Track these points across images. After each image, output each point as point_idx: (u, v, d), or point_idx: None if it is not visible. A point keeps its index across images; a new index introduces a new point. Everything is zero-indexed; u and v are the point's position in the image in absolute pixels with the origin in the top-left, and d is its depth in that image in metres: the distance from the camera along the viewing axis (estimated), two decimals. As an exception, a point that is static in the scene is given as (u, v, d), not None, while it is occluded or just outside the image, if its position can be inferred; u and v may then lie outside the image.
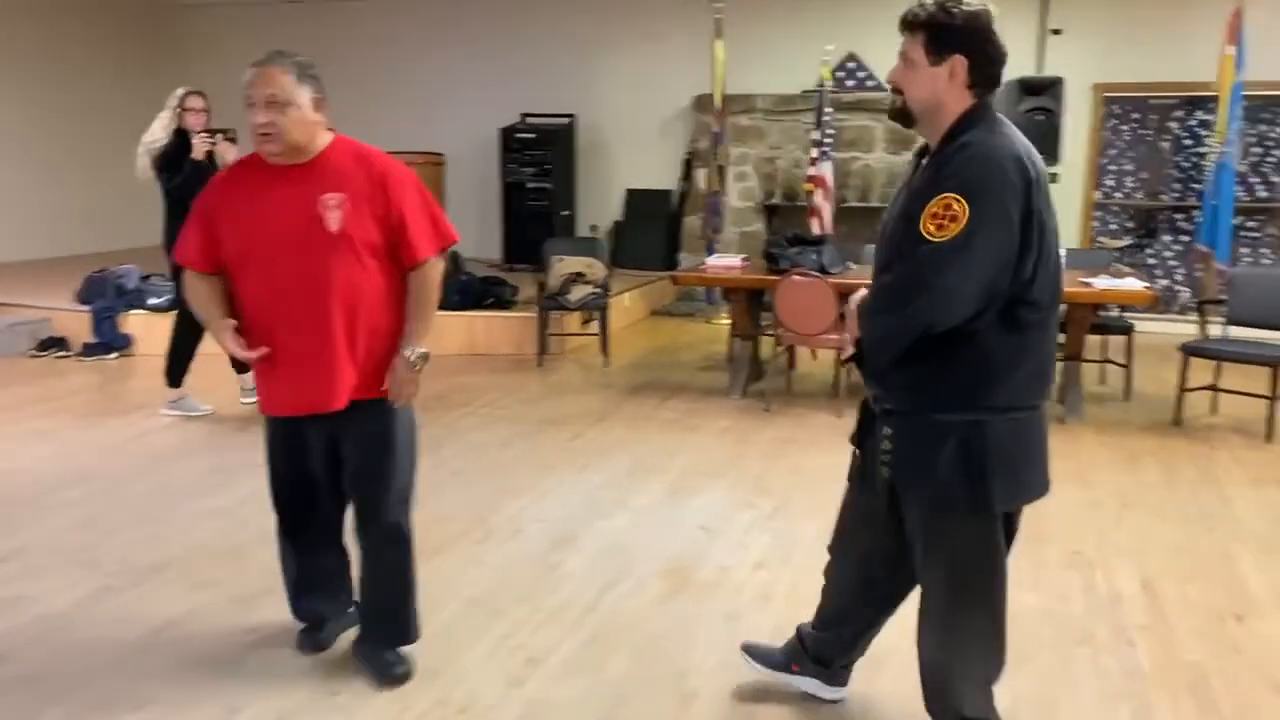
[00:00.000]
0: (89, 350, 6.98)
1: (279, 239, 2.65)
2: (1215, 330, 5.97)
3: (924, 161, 2.31)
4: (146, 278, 7.36)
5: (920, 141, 2.40)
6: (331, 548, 3.04)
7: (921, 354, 2.23)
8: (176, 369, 5.61)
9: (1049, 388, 2.35)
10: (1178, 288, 8.43)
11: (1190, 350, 5.63)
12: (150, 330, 7.13)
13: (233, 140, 5.59)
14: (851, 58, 9.22)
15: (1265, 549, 3.91)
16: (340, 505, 2.97)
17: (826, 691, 2.81)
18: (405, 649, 2.93)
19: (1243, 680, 2.95)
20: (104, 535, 3.92)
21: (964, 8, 2.20)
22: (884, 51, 9.03)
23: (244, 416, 5.51)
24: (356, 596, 3.01)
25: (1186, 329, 7.70)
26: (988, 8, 2.23)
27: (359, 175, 2.70)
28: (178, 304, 5.57)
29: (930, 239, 2.11)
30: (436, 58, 10.41)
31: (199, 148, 5.36)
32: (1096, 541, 3.94)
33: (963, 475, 2.25)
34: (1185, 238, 8.34)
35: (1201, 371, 5.73)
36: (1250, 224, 8.15)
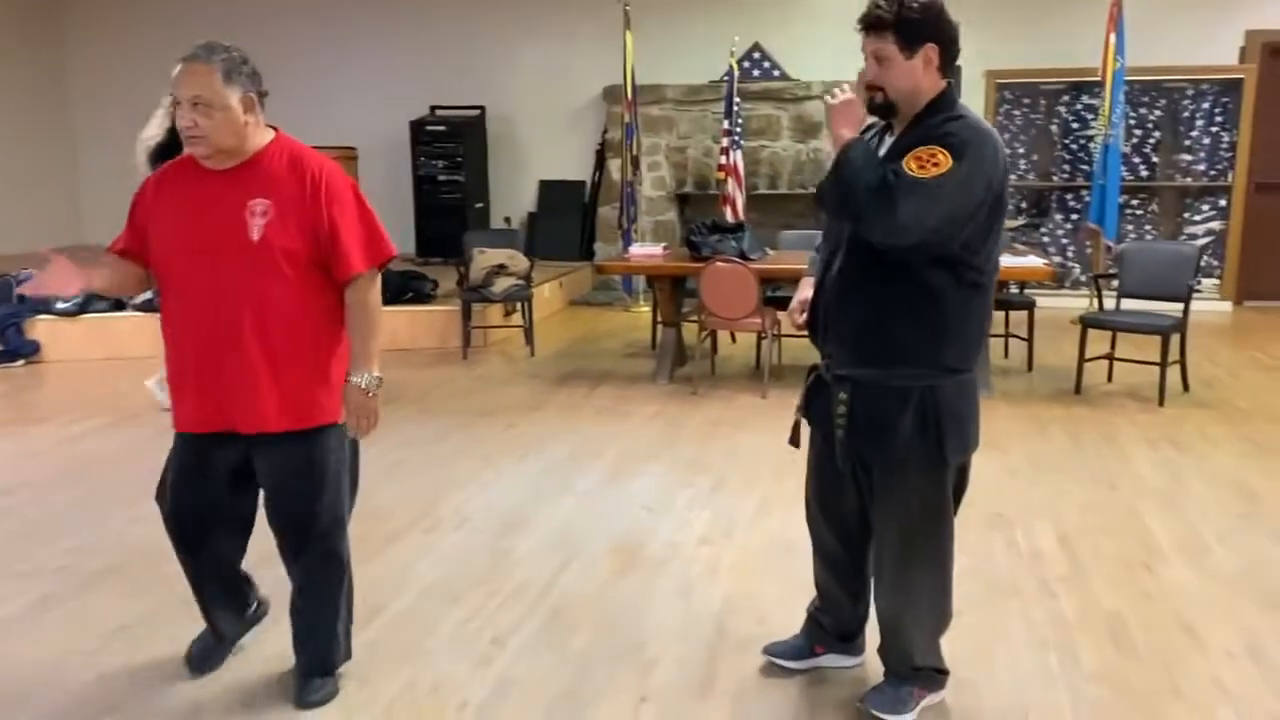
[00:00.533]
0: (-7, 358, 6.75)
1: (200, 245, 2.52)
2: (1109, 303, 6.33)
3: (887, 137, 2.49)
4: (51, 282, 7.13)
5: (871, 123, 2.55)
6: (232, 571, 2.87)
7: (880, 317, 2.40)
8: None
9: (980, 353, 2.56)
10: (1069, 264, 8.86)
11: (1089, 322, 5.97)
12: (58, 336, 6.94)
13: None
14: (756, 48, 9.42)
15: (1166, 504, 4.21)
16: (244, 531, 2.80)
17: (849, 660, 2.93)
18: (334, 671, 2.82)
19: (1156, 623, 3.21)
20: (39, 544, 3.85)
21: (915, 1, 2.35)
22: (785, 42, 9.35)
23: (167, 422, 5.41)
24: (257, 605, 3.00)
25: (1078, 303, 8.14)
26: None
27: (291, 181, 2.56)
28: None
29: (909, 172, 2.28)
30: (341, 49, 10.27)
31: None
32: (1014, 503, 4.19)
33: (919, 434, 2.43)
34: (1075, 216, 8.78)
35: (1098, 342, 6.08)
36: (1134, 202, 8.62)
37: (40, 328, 6.94)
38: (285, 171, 2.57)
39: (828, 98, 2.49)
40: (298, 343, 2.58)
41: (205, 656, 2.93)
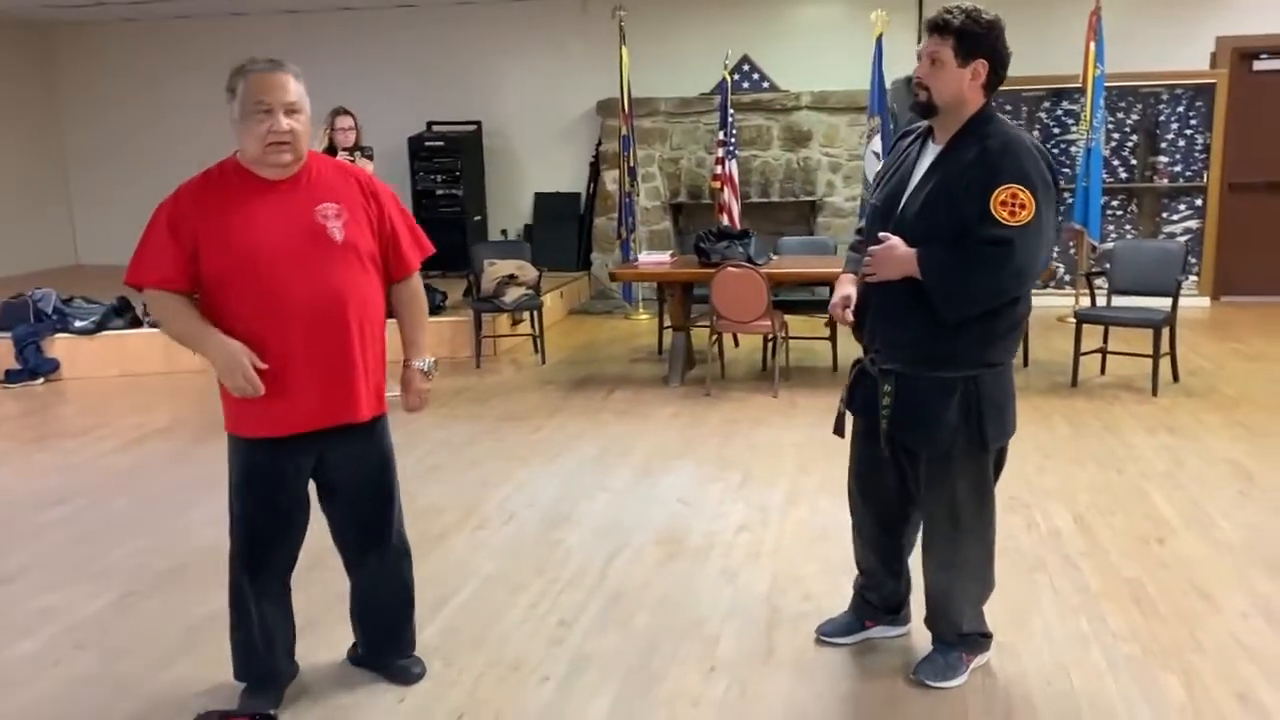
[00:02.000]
0: (12, 377, 6.84)
1: (279, 252, 2.54)
2: (1099, 300, 6.61)
3: (929, 145, 2.69)
4: (69, 300, 7.25)
5: (916, 126, 2.77)
6: (285, 594, 2.86)
7: (932, 329, 2.61)
8: None
9: (1018, 345, 2.78)
10: (1054, 263, 9.16)
11: (1083, 318, 6.25)
12: (76, 354, 7.06)
13: (369, 158, 5.91)
14: (746, 61, 9.69)
15: (1169, 484, 4.47)
16: (301, 540, 2.83)
17: (896, 630, 3.13)
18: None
19: (1173, 588, 3.45)
20: (105, 548, 4.01)
21: (988, 16, 2.58)
22: (773, 55, 9.63)
23: (195, 434, 5.57)
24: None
25: (1063, 301, 8.44)
26: (1001, 19, 2.60)
27: (346, 186, 2.67)
28: None
29: (1007, 224, 2.48)
30: (340, 69, 10.43)
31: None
32: (1028, 488, 4.44)
33: (962, 422, 2.65)
34: (1059, 218, 9.07)
35: (1090, 337, 6.35)
36: (1115, 203, 8.95)
37: (59, 346, 7.04)
38: (337, 177, 2.69)
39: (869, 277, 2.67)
40: (378, 334, 2.72)
41: (265, 699, 2.81)
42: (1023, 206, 2.47)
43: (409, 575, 2.97)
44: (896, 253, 2.62)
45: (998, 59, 2.60)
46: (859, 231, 2.98)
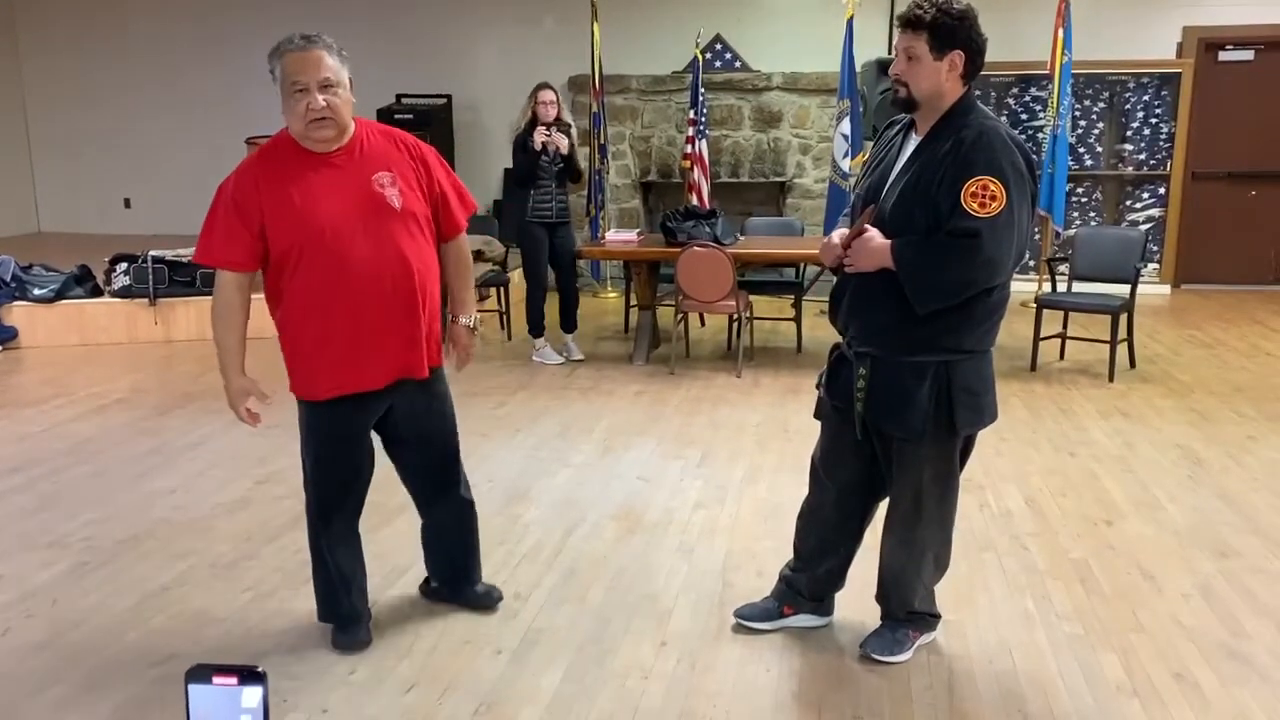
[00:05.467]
0: (-31, 344, 6.77)
1: (344, 224, 2.66)
2: (1060, 286, 6.69)
3: (911, 136, 2.69)
4: (28, 268, 7.15)
5: (901, 116, 2.76)
6: (356, 540, 3.02)
7: (905, 315, 2.61)
8: (534, 320, 6.50)
9: (996, 333, 2.75)
10: (1019, 250, 9.25)
11: (1044, 303, 6.33)
12: (35, 323, 6.97)
13: (565, 132, 6.18)
14: (718, 40, 9.67)
15: (1120, 468, 4.56)
16: (368, 487, 2.99)
17: (817, 621, 3.13)
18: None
19: (1118, 570, 3.53)
20: (61, 518, 3.98)
21: (959, 7, 2.57)
22: (746, 35, 9.62)
23: (156, 404, 5.53)
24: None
25: (1025, 287, 8.53)
26: (973, 7, 2.60)
27: (395, 153, 2.77)
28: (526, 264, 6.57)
29: (977, 215, 2.48)
30: (305, 39, 10.34)
31: (536, 139, 6.12)
32: (983, 469, 4.50)
33: (933, 407, 2.67)
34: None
35: (1050, 322, 6.43)
36: (1079, 190, 9.04)
37: (17, 314, 6.95)
38: (387, 145, 2.79)
39: (846, 263, 2.68)
40: (435, 293, 2.88)
41: (353, 638, 2.98)
42: (993, 198, 2.48)
43: (475, 512, 3.21)
44: (871, 245, 2.64)
45: (973, 48, 2.59)
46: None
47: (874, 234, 2.65)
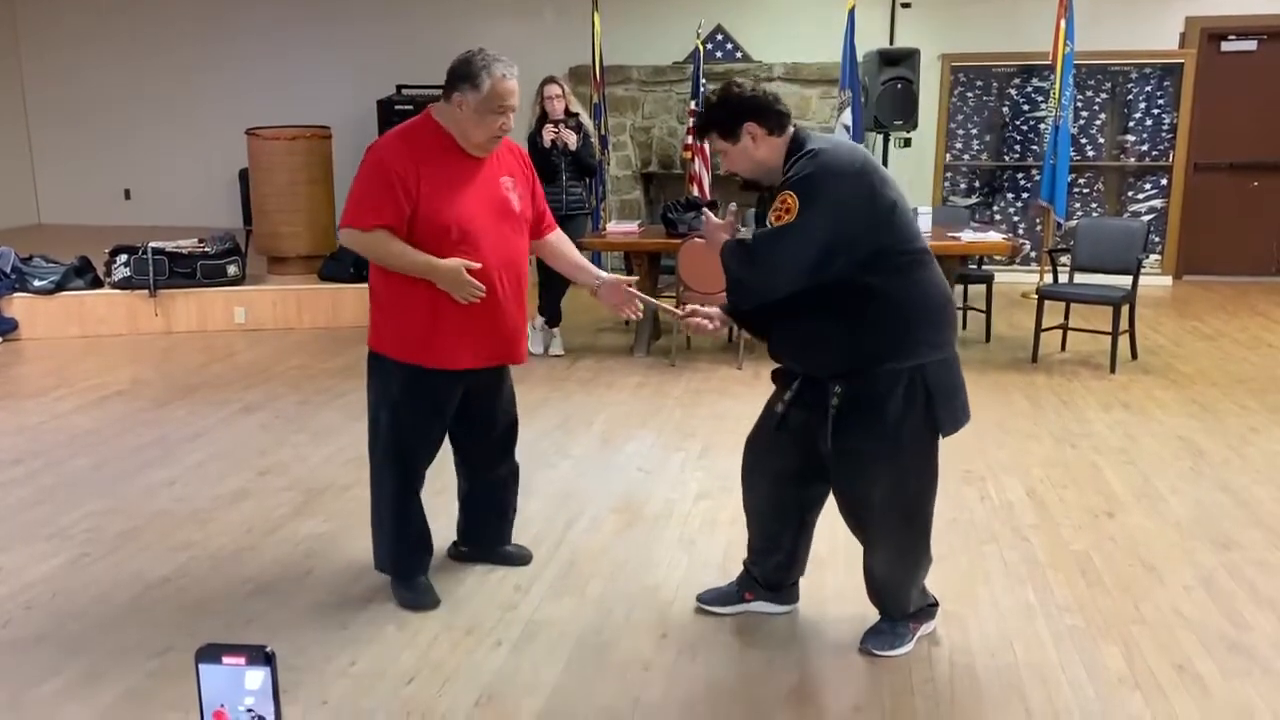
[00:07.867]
0: (-31, 336, 6.76)
1: (482, 220, 2.99)
2: (1062, 277, 6.68)
3: None
4: (28, 259, 7.14)
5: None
6: (419, 501, 3.28)
7: (839, 323, 2.65)
8: (550, 309, 6.48)
9: (956, 331, 2.80)
10: (1020, 240, 9.23)
11: (1045, 294, 6.31)
12: (35, 314, 6.95)
13: (574, 129, 6.11)
14: (719, 30, 9.65)
15: (1121, 459, 4.55)
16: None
17: (776, 608, 3.15)
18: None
19: (1120, 562, 3.52)
20: (61, 509, 3.98)
21: (718, 95, 2.73)
22: (747, 26, 9.60)
23: (156, 396, 5.52)
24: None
25: (1028, 278, 8.52)
26: (731, 80, 2.79)
27: (511, 159, 3.14)
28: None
29: (770, 225, 2.60)
30: (309, 30, 10.31)
31: (545, 137, 6.12)
32: (984, 461, 4.50)
33: (912, 411, 2.67)
34: (1026, 195, 9.15)
35: (1051, 313, 6.42)
36: (1081, 180, 9.01)
37: (17, 305, 6.95)
38: (506, 152, 3.13)
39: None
40: (526, 285, 3.19)
41: (429, 597, 3.22)
42: (788, 210, 2.57)
43: (518, 474, 3.49)
44: (715, 237, 2.81)
45: (758, 109, 2.70)
46: None
47: (728, 234, 2.80)
